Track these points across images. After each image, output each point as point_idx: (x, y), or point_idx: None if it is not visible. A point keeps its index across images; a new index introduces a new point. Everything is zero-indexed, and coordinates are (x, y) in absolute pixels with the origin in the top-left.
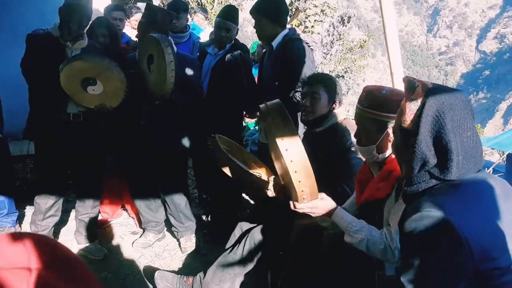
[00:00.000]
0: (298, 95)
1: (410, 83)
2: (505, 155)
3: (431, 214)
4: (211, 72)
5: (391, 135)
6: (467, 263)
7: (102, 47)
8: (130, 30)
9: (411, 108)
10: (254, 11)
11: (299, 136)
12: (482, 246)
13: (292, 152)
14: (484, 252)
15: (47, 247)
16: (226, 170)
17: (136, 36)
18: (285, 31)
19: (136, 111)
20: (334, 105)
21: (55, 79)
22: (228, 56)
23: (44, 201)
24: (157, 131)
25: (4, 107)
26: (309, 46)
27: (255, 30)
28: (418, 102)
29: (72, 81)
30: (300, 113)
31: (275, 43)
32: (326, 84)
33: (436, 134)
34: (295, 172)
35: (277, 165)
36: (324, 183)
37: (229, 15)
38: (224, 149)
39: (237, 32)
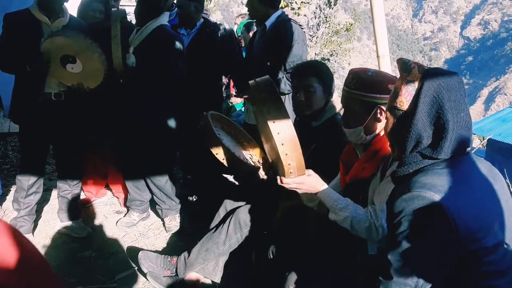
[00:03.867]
0: (289, 77)
1: (405, 65)
2: (485, 140)
3: (421, 194)
4: (186, 51)
5: (378, 115)
6: (454, 243)
7: (87, 24)
8: None
9: (407, 90)
10: None
11: (287, 113)
12: (469, 228)
13: (279, 126)
14: (470, 233)
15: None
16: (215, 152)
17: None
18: (279, 12)
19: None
20: (330, 97)
21: (30, 58)
22: (221, 31)
23: (26, 178)
24: (130, 109)
25: None
26: (302, 28)
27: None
28: (416, 83)
29: (51, 57)
30: (292, 106)
31: (268, 23)
32: (320, 75)
33: (434, 114)
34: (282, 144)
35: (264, 140)
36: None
37: None
38: (216, 127)
39: (197, 9)
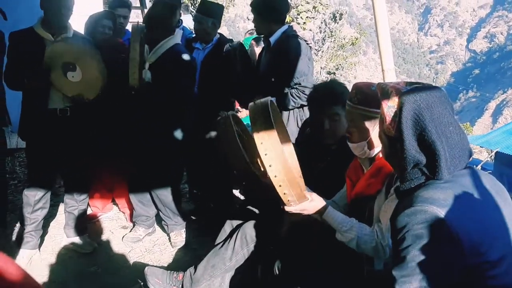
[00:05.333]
0: (294, 92)
1: (383, 90)
2: (493, 153)
3: (424, 209)
4: (200, 66)
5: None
6: (457, 257)
7: (94, 40)
8: None
9: (389, 115)
10: (251, 7)
11: (279, 141)
12: (472, 241)
13: (272, 158)
14: (473, 246)
15: None
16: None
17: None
18: (284, 28)
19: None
20: None
21: (34, 75)
22: (227, 46)
23: (33, 194)
24: (139, 124)
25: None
26: (307, 44)
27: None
28: (395, 107)
29: (54, 64)
30: (313, 133)
31: (273, 38)
32: (344, 101)
33: (419, 136)
34: (275, 176)
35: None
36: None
37: (201, 9)
38: (236, 131)
39: (214, 25)
